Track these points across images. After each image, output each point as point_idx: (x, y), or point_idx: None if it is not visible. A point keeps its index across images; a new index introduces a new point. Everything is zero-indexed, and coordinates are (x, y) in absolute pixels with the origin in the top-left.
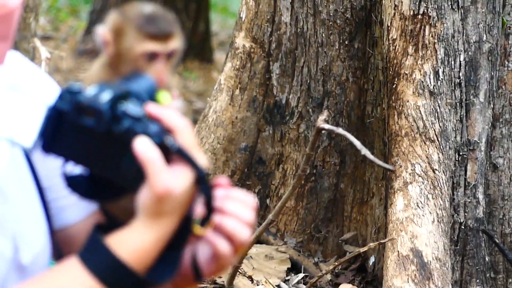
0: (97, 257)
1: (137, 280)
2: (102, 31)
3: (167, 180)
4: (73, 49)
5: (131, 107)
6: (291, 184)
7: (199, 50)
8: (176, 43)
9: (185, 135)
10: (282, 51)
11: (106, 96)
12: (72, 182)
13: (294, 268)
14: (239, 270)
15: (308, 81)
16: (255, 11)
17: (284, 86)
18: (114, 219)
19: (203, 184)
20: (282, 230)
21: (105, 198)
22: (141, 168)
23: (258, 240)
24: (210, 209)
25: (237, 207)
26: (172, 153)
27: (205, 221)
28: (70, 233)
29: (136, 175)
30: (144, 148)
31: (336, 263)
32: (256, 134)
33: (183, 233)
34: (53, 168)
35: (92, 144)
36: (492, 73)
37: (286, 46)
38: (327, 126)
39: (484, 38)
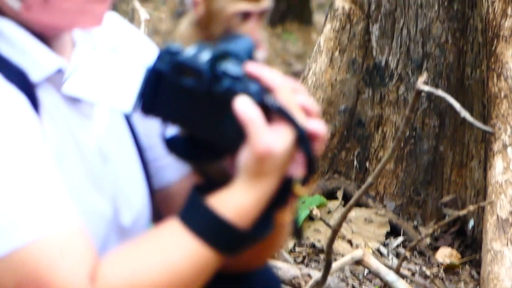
0: (199, 218)
1: (241, 237)
2: None
3: (268, 139)
4: (172, 10)
5: (230, 67)
6: (391, 147)
7: (298, 11)
8: (268, 1)
9: (285, 94)
10: (382, 12)
11: (205, 56)
12: (171, 144)
13: (393, 231)
14: (338, 234)
15: (408, 43)
16: None
17: (383, 48)
18: (212, 180)
19: (303, 143)
20: (381, 193)
21: (204, 160)
22: (242, 127)
23: (357, 203)
24: (311, 168)
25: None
26: (273, 112)
27: (306, 180)
28: (169, 193)
29: (236, 135)
30: (245, 107)
31: (435, 227)
32: (356, 96)
33: (283, 192)
34: (152, 128)
35: (191, 104)
36: None
37: (386, 7)
38: (426, 88)
39: None
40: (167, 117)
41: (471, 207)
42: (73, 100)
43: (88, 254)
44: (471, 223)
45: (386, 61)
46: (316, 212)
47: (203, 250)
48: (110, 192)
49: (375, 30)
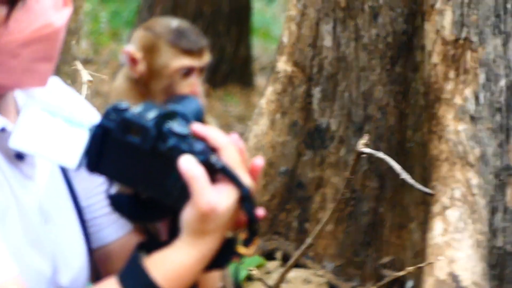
0: (134, 279)
1: None
2: (130, 50)
3: (211, 197)
4: (114, 72)
5: (176, 126)
6: (331, 208)
7: (240, 74)
8: (208, 56)
9: (230, 153)
10: (324, 75)
11: (151, 114)
12: (115, 202)
13: None
14: None
15: (349, 106)
16: (297, 35)
17: (325, 111)
18: (154, 238)
19: (247, 203)
20: (321, 254)
21: (148, 218)
22: (186, 186)
23: (296, 264)
24: (254, 228)
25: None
26: (217, 172)
27: (249, 240)
28: (108, 252)
29: (180, 193)
30: (189, 165)
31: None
32: (296, 158)
33: (226, 253)
34: (91, 187)
35: (137, 162)
36: None
37: (328, 70)
38: (367, 150)
39: None
40: (112, 175)
41: (410, 268)
42: (15, 161)
43: None
44: (409, 284)
45: (328, 124)
46: (255, 272)
47: None
48: (49, 252)
49: (316, 92)
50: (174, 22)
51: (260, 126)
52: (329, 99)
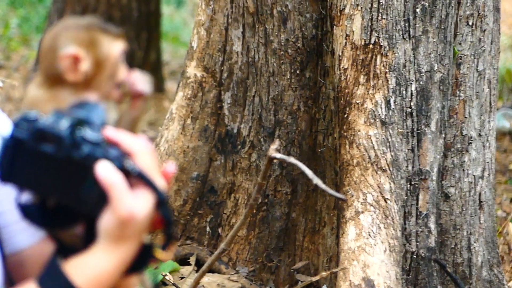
0: (54, 284)
1: None
2: (71, 51)
3: (130, 204)
4: (25, 78)
5: (89, 133)
6: (243, 213)
7: (150, 79)
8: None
9: (144, 158)
10: (234, 80)
11: (65, 123)
12: (25, 210)
13: None
14: None
15: (260, 111)
16: (206, 40)
17: (235, 116)
18: (64, 245)
19: (163, 207)
20: (234, 259)
21: (58, 225)
22: (103, 192)
23: (210, 269)
24: (170, 233)
25: None
26: (132, 177)
27: (166, 245)
28: (22, 258)
29: (97, 200)
30: (106, 172)
31: None
32: (208, 163)
33: (143, 257)
34: (3, 194)
35: (51, 171)
36: (444, 103)
37: (238, 75)
38: (278, 155)
39: (436, 67)
40: (25, 184)
41: (324, 273)
42: None
43: None
44: None
45: (238, 129)
46: (169, 277)
47: None
48: None
49: (227, 97)
50: (83, 18)
51: (171, 131)
52: (239, 104)
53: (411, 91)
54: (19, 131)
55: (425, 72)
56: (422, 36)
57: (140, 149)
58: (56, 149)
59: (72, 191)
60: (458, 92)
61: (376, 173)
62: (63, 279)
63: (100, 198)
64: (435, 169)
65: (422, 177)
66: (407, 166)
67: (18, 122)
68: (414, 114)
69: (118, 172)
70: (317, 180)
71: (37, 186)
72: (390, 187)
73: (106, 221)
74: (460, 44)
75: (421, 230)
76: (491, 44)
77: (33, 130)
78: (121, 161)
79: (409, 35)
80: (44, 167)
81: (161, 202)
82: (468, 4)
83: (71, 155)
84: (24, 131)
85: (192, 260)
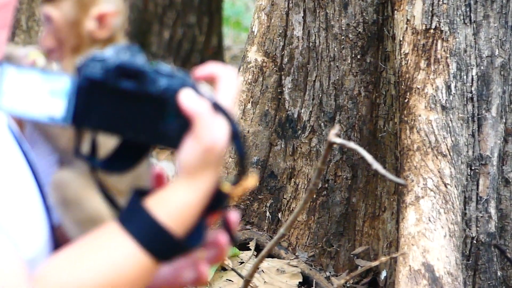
0: (137, 221)
1: (177, 245)
2: (104, 9)
3: (214, 131)
4: None
5: (162, 65)
6: (303, 198)
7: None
8: None
9: (225, 86)
10: (294, 65)
11: (141, 58)
12: (105, 165)
13: (306, 282)
14: (250, 284)
15: (320, 95)
16: (267, 25)
17: (296, 100)
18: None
19: (237, 140)
20: (294, 244)
21: (119, 169)
22: (184, 123)
23: (270, 254)
24: (243, 166)
25: None
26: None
27: (238, 180)
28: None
29: (178, 131)
30: (190, 100)
31: (348, 277)
32: (268, 148)
33: (218, 195)
34: (48, 164)
35: (128, 109)
36: (504, 88)
37: (298, 60)
38: (338, 140)
39: (497, 52)
40: (99, 126)
41: (384, 258)
42: None
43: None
44: (383, 274)
45: (299, 114)
46: (228, 262)
47: (139, 254)
48: (9, 227)
49: (287, 82)
50: None
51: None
52: (300, 89)
53: (472, 76)
54: (92, 72)
55: (486, 57)
56: (483, 21)
57: (225, 77)
58: (137, 84)
59: (151, 126)
60: None
61: (437, 158)
62: (146, 216)
63: (181, 129)
64: (496, 154)
65: (483, 162)
66: (467, 151)
67: (87, 63)
68: (475, 99)
69: (201, 100)
70: (377, 165)
71: (113, 126)
72: (451, 172)
73: (188, 151)
74: None
75: (481, 215)
76: None
77: (111, 67)
78: (198, 89)
79: (470, 20)
80: (121, 105)
81: (235, 133)
82: None
83: (148, 90)
84: (97, 70)
85: (252, 245)
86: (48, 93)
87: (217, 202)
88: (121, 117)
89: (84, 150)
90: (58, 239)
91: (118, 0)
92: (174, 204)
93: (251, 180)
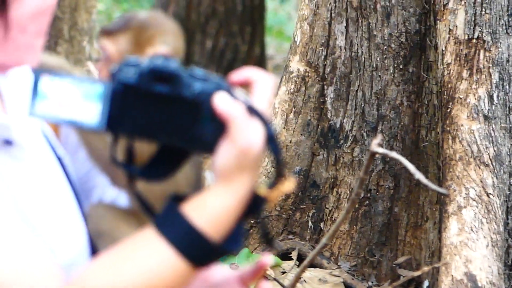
0: (173, 227)
1: (213, 249)
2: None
3: (249, 134)
4: None
5: (196, 69)
6: (345, 208)
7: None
8: None
9: (261, 89)
10: (337, 75)
11: (175, 62)
12: (147, 174)
13: None
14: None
15: (363, 105)
16: (309, 35)
17: (338, 110)
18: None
19: (272, 142)
20: (336, 253)
21: (156, 177)
22: (219, 126)
23: (312, 264)
24: (279, 169)
25: None
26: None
27: (274, 183)
28: None
29: (213, 135)
30: (225, 103)
31: (390, 287)
32: (310, 158)
33: (256, 199)
34: (83, 169)
35: (162, 113)
36: None
37: (341, 70)
38: (381, 150)
39: None
40: (133, 131)
41: (426, 268)
42: (4, 146)
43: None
44: (425, 284)
45: (341, 123)
46: (270, 272)
47: (175, 259)
48: (45, 233)
49: (330, 92)
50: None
51: (273, 126)
52: (342, 98)
53: None
54: (126, 77)
55: None
56: None
57: (261, 80)
58: (171, 88)
59: (186, 130)
60: None
61: (479, 167)
62: (183, 221)
63: (216, 133)
64: None
65: None
66: (509, 161)
67: (121, 69)
68: None
69: (236, 103)
70: (419, 175)
71: (147, 130)
72: (493, 181)
73: (223, 155)
74: None
75: None
76: None
77: (146, 71)
78: (232, 92)
79: None
80: (156, 110)
81: (271, 137)
82: None
83: (182, 93)
84: (131, 75)
85: (294, 254)
86: (82, 99)
87: (254, 206)
88: (156, 122)
89: (121, 158)
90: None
91: (176, 40)
92: (210, 209)
93: (289, 184)
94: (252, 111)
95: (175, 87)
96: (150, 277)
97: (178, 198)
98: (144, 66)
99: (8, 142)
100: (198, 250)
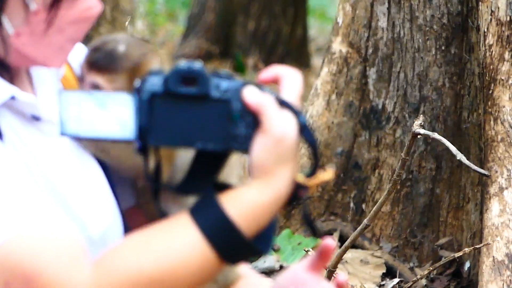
0: (206, 213)
1: (242, 244)
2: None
3: (282, 123)
4: (171, 53)
5: (221, 70)
6: (387, 189)
7: (296, 55)
8: None
9: (289, 84)
10: (379, 56)
11: (198, 64)
12: (186, 187)
13: (389, 273)
14: (333, 275)
15: (405, 86)
16: (351, 16)
17: (380, 91)
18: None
19: (306, 131)
20: (378, 235)
21: (191, 190)
22: (252, 121)
23: (353, 245)
24: (316, 158)
25: None
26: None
27: (312, 171)
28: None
29: (247, 131)
30: (254, 95)
31: (431, 268)
32: (352, 139)
33: (295, 189)
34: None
35: (193, 117)
36: None
37: (383, 51)
38: (423, 131)
39: None
40: (165, 140)
41: (467, 249)
42: (32, 122)
43: (82, 250)
44: (467, 265)
45: (383, 104)
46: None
47: (203, 246)
48: (75, 204)
49: (372, 73)
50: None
51: (315, 107)
52: (384, 80)
53: None
54: (152, 85)
55: None
56: None
57: (289, 76)
58: (198, 89)
59: (220, 130)
60: None
61: None
62: (218, 211)
63: (250, 128)
64: None
65: None
66: None
67: (146, 79)
68: None
69: (265, 94)
70: (461, 156)
71: (180, 137)
72: None
73: (259, 148)
74: None
75: None
76: None
77: (171, 76)
78: (260, 87)
79: None
80: (186, 114)
81: (304, 126)
82: None
83: (210, 92)
84: (157, 82)
85: (336, 235)
86: (111, 113)
87: (293, 194)
88: (188, 127)
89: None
90: (129, 225)
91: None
92: (246, 203)
93: (328, 173)
94: (282, 102)
95: (202, 87)
96: (175, 259)
97: (219, 187)
98: (168, 72)
99: (36, 118)
100: (227, 241)
